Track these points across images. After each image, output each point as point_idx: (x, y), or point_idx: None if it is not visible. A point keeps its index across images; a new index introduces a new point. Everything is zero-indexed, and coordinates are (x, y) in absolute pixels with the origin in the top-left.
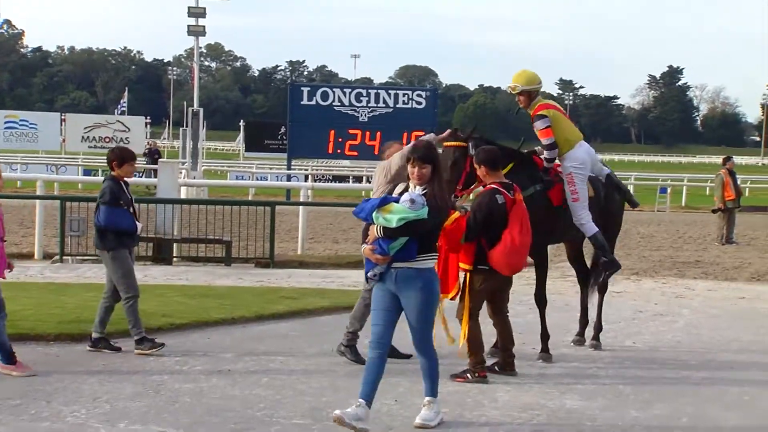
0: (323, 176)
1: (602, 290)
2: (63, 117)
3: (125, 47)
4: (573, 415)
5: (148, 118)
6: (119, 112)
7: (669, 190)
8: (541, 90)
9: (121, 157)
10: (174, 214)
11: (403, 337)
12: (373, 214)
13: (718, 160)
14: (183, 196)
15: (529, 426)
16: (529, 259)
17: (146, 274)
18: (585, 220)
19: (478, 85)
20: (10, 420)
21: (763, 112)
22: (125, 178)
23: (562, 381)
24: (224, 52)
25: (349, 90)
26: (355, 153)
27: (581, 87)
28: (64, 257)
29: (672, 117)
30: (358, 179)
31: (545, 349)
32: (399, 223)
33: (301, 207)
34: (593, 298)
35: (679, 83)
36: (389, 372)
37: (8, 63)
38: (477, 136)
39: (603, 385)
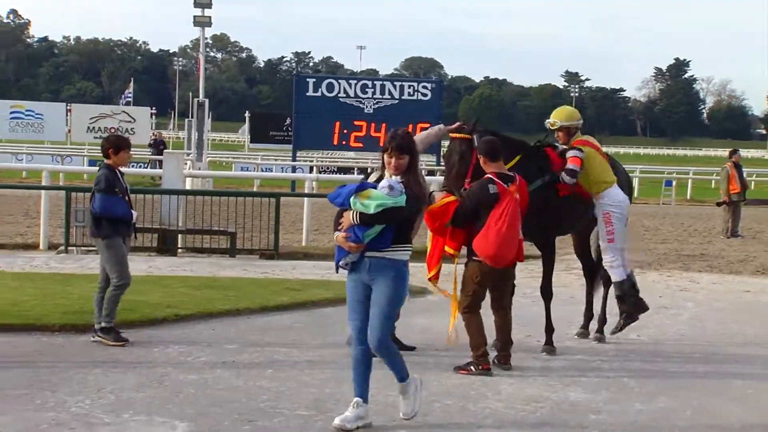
0: (328, 168)
1: (607, 283)
2: (68, 107)
3: (131, 38)
4: (577, 407)
5: (154, 108)
6: (125, 102)
7: (674, 183)
8: (580, 126)
9: (117, 145)
10: (179, 205)
11: (405, 328)
12: (351, 199)
13: (724, 153)
14: (188, 187)
15: (532, 418)
16: (536, 252)
17: (151, 265)
18: (616, 263)
19: (484, 77)
20: (15, 410)
21: None
22: (120, 167)
23: (566, 374)
24: (230, 42)
25: (355, 81)
26: (360, 144)
27: (587, 79)
28: (69, 248)
29: (678, 110)
30: (363, 171)
31: (549, 342)
32: (377, 210)
33: (306, 198)
34: (598, 291)
35: (686, 76)
36: None
37: (14, 53)
38: (482, 129)
39: (607, 378)
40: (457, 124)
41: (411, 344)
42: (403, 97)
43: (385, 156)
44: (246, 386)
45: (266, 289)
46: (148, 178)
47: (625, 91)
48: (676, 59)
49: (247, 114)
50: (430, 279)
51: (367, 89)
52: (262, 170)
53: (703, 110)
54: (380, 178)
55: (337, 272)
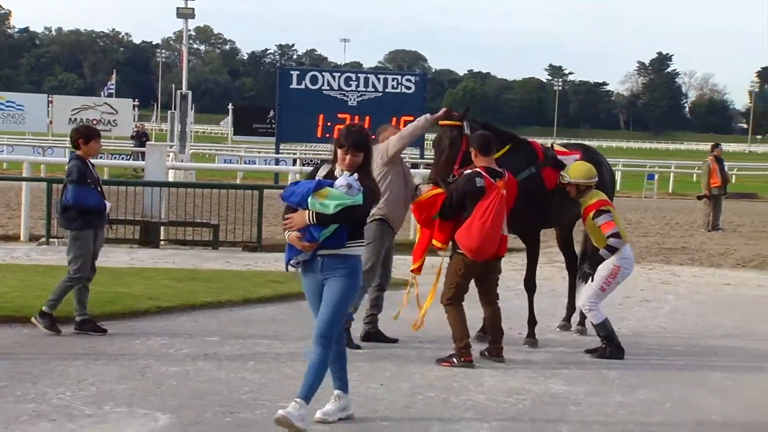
0: (311, 160)
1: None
2: (50, 99)
3: (113, 29)
4: (558, 399)
5: (136, 100)
6: (107, 94)
7: (656, 176)
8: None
9: (87, 134)
10: (161, 197)
11: (388, 321)
12: (309, 200)
13: (706, 146)
14: (171, 179)
15: (514, 410)
16: (519, 244)
17: (133, 257)
18: (595, 307)
19: (468, 71)
20: None
21: (750, 99)
22: (91, 157)
23: (547, 366)
24: (213, 34)
25: (339, 74)
26: None
27: (570, 73)
28: (51, 239)
29: (661, 104)
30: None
31: (532, 334)
32: (336, 209)
33: None
34: (581, 284)
35: (668, 70)
36: (375, 357)
37: None
38: (471, 119)
39: (588, 370)
40: (444, 110)
41: (393, 337)
42: (386, 90)
43: (340, 152)
44: (228, 378)
45: (249, 282)
46: (131, 169)
47: (608, 85)
48: (659, 53)
49: (230, 106)
50: (412, 271)
51: (350, 82)
52: (246, 162)
53: (686, 104)
54: (330, 172)
55: (287, 270)
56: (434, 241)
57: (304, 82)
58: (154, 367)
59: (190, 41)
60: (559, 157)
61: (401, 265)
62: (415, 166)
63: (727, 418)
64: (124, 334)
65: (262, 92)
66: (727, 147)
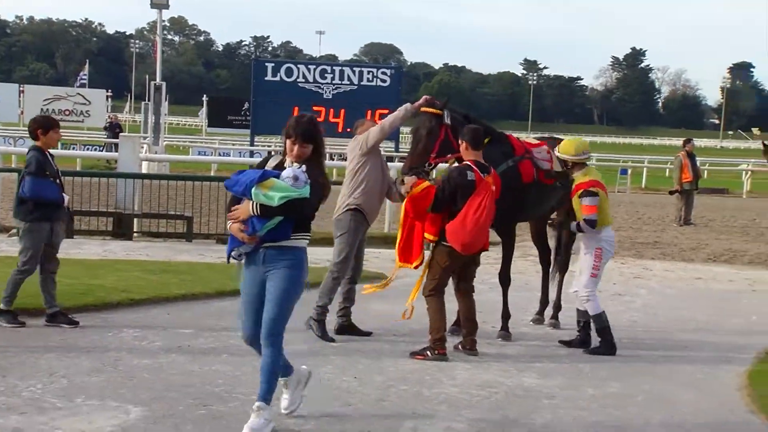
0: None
1: (563, 270)
2: (21, 88)
3: (86, 19)
4: (531, 392)
5: (110, 91)
6: (79, 84)
7: (629, 171)
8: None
9: (45, 125)
10: (135, 189)
11: (361, 314)
12: (252, 190)
13: (678, 142)
14: (144, 171)
15: (487, 404)
16: (496, 238)
17: (106, 249)
18: (593, 296)
19: (443, 64)
20: None
21: (722, 95)
22: (50, 148)
23: (520, 359)
24: (188, 25)
25: (314, 66)
26: None
27: (545, 67)
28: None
29: (634, 99)
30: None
31: (505, 327)
32: (281, 202)
33: None
34: (554, 278)
35: (642, 65)
36: (349, 350)
37: None
38: (452, 109)
39: (561, 363)
40: (425, 97)
41: (367, 330)
42: (362, 83)
43: (288, 143)
44: (201, 371)
45: (222, 274)
46: (104, 161)
47: (582, 79)
48: (633, 49)
49: (205, 98)
50: (415, 267)
51: (326, 74)
52: (220, 155)
53: (659, 100)
54: (280, 164)
55: (228, 262)
56: (427, 235)
57: (279, 74)
58: (127, 360)
59: (165, 32)
60: (533, 150)
61: (374, 258)
62: (390, 159)
63: (698, 410)
64: (97, 327)
65: (237, 84)
66: (699, 142)
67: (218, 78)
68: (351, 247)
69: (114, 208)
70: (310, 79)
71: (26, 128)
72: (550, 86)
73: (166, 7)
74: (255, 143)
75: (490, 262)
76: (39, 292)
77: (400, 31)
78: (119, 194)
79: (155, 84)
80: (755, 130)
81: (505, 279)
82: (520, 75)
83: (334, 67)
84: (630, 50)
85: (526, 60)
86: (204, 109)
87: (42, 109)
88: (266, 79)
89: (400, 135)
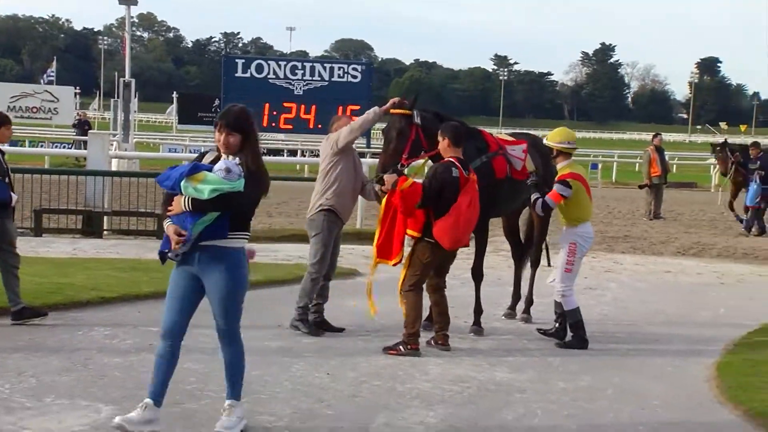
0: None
1: (535, 265)
2: None
3: (53, 15)
4: (502, 387)
5: (78, 88)
6: (47, 81)
7: (600, 165)
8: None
9: None
10: (104, 186)
11: (334, 310)
12: (182, 183)
13: (648, 136)
14: (114, 168)
15: (459, 398)
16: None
17: (75, 248)
18: (568, 292)
19: (414, 60)
20: None
21: (690, 90)
22: (1, 145)
23: (492, 354)
24: (157, 22)
25: (285, 63)
26: (290, 126)
27: (516, 63)
28: None
29: (604, 94)
30: (292, 153)
31: (477, 322)
32: (211, 195)
33: None
34: (526, 273)
35: (611, 60)
36: (321, 346)
37: None
38: (422, 108)
39: (532, 357)
40: (395, 99)
41: (340, 326)
42: (333, 79)
43: (216, 133)
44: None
45: None
46: (73, 159)
47: (552, 75)
48: (602, 44)
49: (175, 95)
50: (394, 265)
51: (296, 71)
52: (190, 152)
53: (628, 95)
54: (216, 159)
55: (163, 263)
56: (410, 231)
57: (249, 70)
58: (97, 359)
59: (133, 28)
60: (507, 147)
61: (348, 254)
62: (362, 155)
63: (667, 402)
64: (67, 325)
65: (207, 81)
66: (668, 137)
67: (188, 74)
68: (326, 247)
69: (83, 206)
70: (281, 75)
71: None
72: (520, 82)
73: (135, 3)
74: None
75: (462, 257)
76: (2, 291)
77: (371, 27)
78: (89, 192)
79: (124, 81)
80: (723, 125)
81: (477, 274)
82: (490, 70)
83: (304, 64)
84: (599, 45)
85: (496, 55)
86: (173, 106)
87: (9, 107)
88: (236, 75)
89: (372, 131)
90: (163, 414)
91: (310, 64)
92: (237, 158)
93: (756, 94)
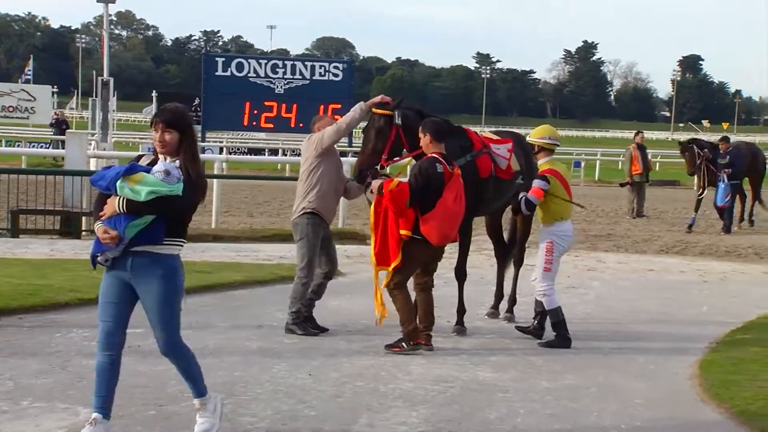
0: (238, 149)
1: (518, 264)
2: None
3: (29, 13)
4: (486, 386)
5: (55, 87)
6: (24, 80)
7: (583, 164)
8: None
9: None
10: (83, 186)
11: (318, 309)
12: (118, 183)
13: (630, 134)
14: (92, 168)
15: (442, 398)
16: None
17: (53, 248)
18: (549, 291)
19: (396, 58)
20: None
21: (673, 88)
22: None
23: (475, 353)
24: (136, 20)
25: (265, 61)
26: (271, 125)
27: (498, 61)
28: None
29: (586, 92)
30: (273, 152)
31: (460, 322)
32: (149, 197)
33: (215, 180)
34: (509, 272)
35: (594, 58)
36: (303, 346)
37: None
38: (405, 107)
39: (515, 357)
40: (380, 97)
41: (324, 326)
42: (314, 78)
43: (153, 132)
44: (153, 371)
45: None
46: (51, 158)
47: (535, 73)
48: (585, 42)
49: (154, 93)
50: (394, 269)
51: (277, 69)
52: None
53: (611, 92)
54: (154, 162)
55: (94, 267)
56: (404, 231)
57: (229, 69)
58: (75, 361)
59: (112, 27)
60: (492, 145)
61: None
62: (343, 154)
63: (650, 401)
64: (44, 327)
65: (187, 79)
66: (651, 135)
67: (168, 73)
68: (312, 251)
69: (61, 207)
70: (262, 73)
71: None
72: (503, 80)
73: (113, 1)
74: (206, 139)
75: (445, 257)
76: None
77: (353, 25)
78: (66, 192)
79: (103, 80)
80: (705, 122)
81: (461, 274)
82: (473, 69)
83: (285, 62)
84: (582, 43)
85: (479, 53)
86: (153, 105)
87: None
88: (217, 74)
89: (354, 130)
90: (144, 417)
91: (291, 62)
92: (177, 161)
93: (738, 92)
